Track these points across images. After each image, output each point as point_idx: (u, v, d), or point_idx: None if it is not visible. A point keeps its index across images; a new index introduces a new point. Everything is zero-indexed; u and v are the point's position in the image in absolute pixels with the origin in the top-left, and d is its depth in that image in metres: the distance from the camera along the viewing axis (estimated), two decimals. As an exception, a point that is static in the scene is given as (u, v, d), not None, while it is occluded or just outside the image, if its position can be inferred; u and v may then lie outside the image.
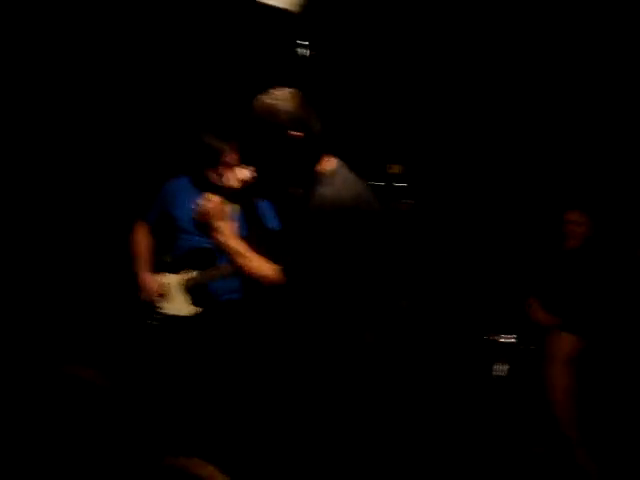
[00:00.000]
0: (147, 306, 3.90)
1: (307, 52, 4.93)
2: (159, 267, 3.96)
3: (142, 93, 4.73)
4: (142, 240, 4.01)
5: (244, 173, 2.77)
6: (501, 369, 4.30)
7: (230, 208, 2.77)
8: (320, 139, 2.64)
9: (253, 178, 2.76)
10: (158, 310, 3.88)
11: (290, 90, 2.65)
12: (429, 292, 4.80)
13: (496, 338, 4.42)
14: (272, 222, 3.35)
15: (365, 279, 2.61)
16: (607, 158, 4.97)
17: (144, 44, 4.67)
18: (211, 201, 2.73)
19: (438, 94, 5.24)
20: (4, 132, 4.48)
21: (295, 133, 2.59)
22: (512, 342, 4.33)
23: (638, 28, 4.52)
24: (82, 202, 4.72)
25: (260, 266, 2.63)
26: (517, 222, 5.10)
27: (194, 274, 3.83)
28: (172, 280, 3.87)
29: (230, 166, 3.74)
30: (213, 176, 3.82)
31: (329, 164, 2.68)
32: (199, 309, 3.83)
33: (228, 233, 2.71)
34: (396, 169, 5.31)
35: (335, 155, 2.69)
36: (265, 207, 3.61)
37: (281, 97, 2.62)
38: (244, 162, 2.82)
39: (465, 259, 4.89)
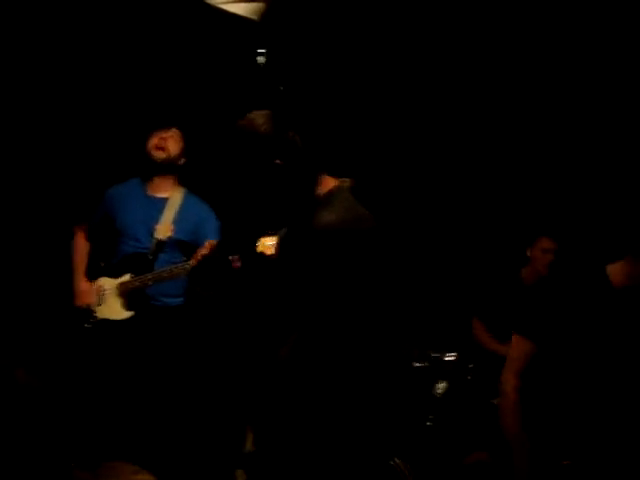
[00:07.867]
0: (81, 310, 3.93)
1: (264, 60, 4.91)
2: (95, 271, 4.00)
3: (89, 93, 4.69)
4: (81, 245, 4.07)
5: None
6: (441, 387, 4.29)
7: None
8: (309, 161, 2.52)
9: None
10: (93, 314, 3.91)
11: (264, 113, 2.51)
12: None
13: (438, 356, 4.40)
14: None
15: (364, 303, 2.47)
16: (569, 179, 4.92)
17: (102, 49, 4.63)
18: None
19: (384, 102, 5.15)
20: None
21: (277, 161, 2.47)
22: (452, 360, 4.32)
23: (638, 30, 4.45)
24: (20, 204, 4.67)
25: None
26: (465, 242, 5.07)
27: (129, 278, 3.85)
28: (108, 284, 3.89)
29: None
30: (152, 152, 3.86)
31: (326, 186, 2.53)
32: (133, 313, 3.84)
33: None
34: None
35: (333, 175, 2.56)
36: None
37: (258, 122, 2.47)
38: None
39: (410, 276, 4.86)
